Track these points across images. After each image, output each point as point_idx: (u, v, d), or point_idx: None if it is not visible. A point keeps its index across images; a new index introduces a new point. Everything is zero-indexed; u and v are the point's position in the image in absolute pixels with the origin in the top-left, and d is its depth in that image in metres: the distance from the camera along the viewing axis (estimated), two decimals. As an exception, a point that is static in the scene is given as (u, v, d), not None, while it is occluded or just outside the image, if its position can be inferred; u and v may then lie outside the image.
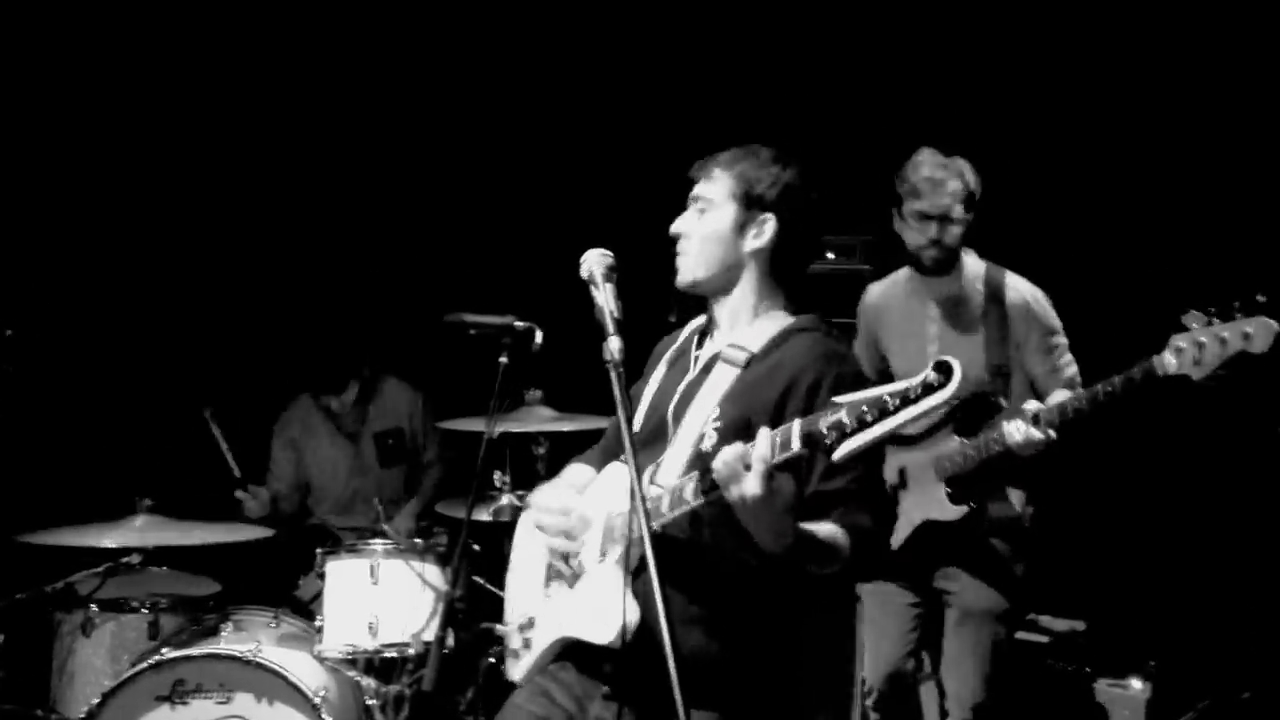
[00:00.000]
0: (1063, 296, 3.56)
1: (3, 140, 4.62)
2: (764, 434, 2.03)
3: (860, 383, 2.26)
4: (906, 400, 1.88)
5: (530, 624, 2.49)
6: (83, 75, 4.77)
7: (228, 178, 5.09)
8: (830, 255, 4.40)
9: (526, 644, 2.49)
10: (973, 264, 3.52)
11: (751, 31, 4.82)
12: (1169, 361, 3.05)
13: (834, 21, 4.75)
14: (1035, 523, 3.51)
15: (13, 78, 4.63)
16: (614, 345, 2.17)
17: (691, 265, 2.43)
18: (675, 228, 2.45)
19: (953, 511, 3.43)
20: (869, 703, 3.74)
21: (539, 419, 4.14)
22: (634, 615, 2.19)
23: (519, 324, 3.43)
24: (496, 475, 4.08)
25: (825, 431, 1.94)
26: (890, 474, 3.48)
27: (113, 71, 4.82)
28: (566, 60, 4.97)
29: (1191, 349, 3.00)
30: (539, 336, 3.36)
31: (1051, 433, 3.19)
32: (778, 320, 2.42)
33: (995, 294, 3.45)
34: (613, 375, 2.14)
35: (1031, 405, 3.27)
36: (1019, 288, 3.47)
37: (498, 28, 4.99)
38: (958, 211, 3.40)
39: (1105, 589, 4.31)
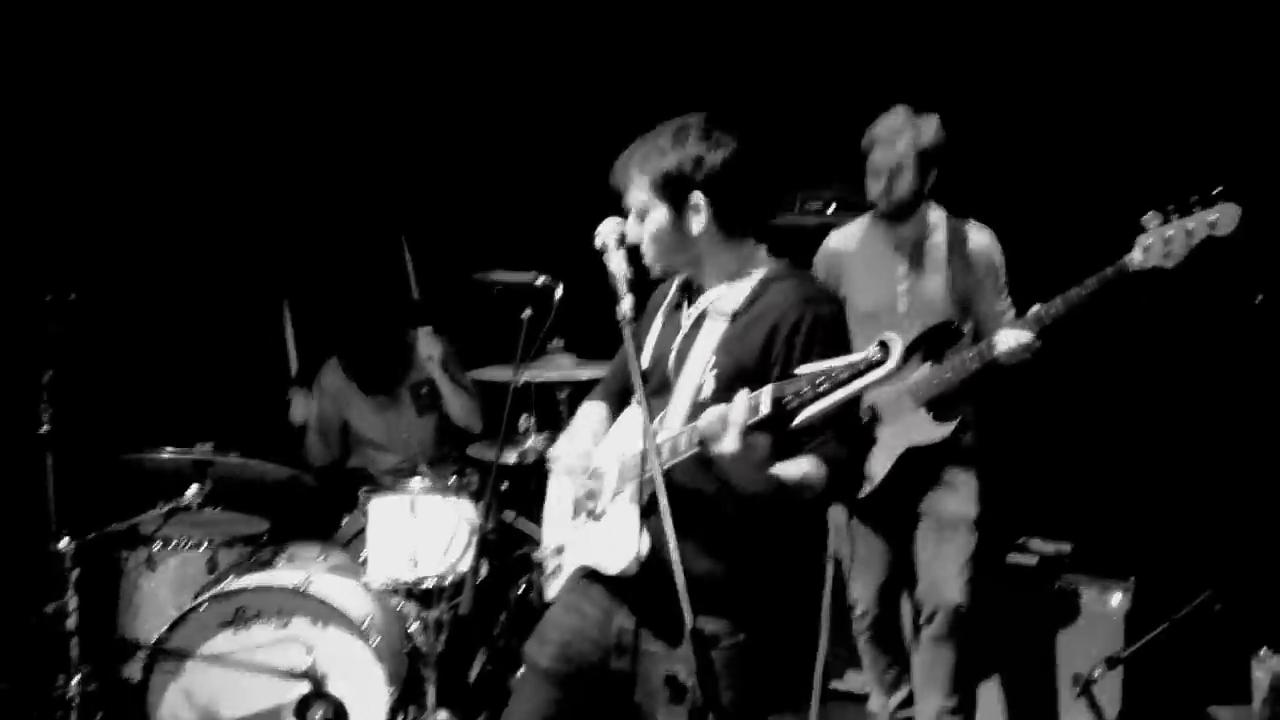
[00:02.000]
0: (1018, 225, 3.83)
1: (57, 102, 4.81)
2: (740, 398, 2.22)
3: (836, 322, 2.49)
4: (856, 373, 2.10)
5: (561, 550, 2.74)
6: (130, 40, 4.94)
7: (274, 136, 5.25)
8: (830, 209, 4.64)
9: (558, 567, 2.75)
10: (935, 214, 3.78)
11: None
12: (1137, 258, 3.35)
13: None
14: (980, 442, 3.78)
15: (61, 39, 4.80)
16: (626, 305, 2.42)
17: (653, 261, 2.57)
18: (628, 238, 2.55)
19: (939, 431, 3.67)
20: (861, 625, 4.02)
21: (561, 367, 4.35)
22: (645, 546, 2.44)
23: (541, 280, 3.68)
24: (522, 419, 4.34)
25: (789, 398, 2.16)
26: (862, 414, 3.71)
27: (158, 34, 4.98)
28: (593, 26, 5.13)
29: (1159, 243, 3.32)
30: (559, 291, 3.61)
31: (1032, 338, 3.48)
32: (756, 272, 2.55)
33: (959, 238, 3.72)
34: (625, 333, 2.40)
35: (1012, 315, 3.59)
36: (980, 235, 3.74)
37: None
38: (907, 164, 3.65)
39: (1089, 509, 4.50)
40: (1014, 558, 4.30)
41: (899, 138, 3.66)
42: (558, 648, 2.63)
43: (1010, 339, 3.52)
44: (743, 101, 4.78)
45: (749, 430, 2.22)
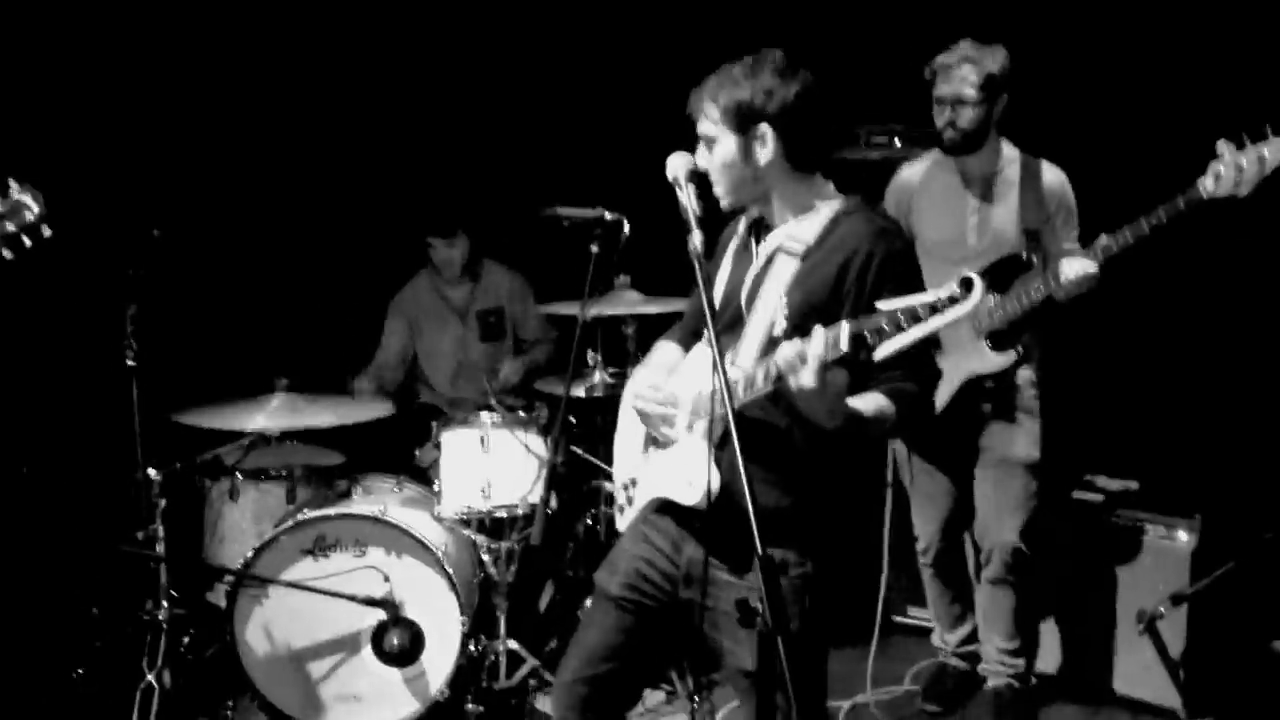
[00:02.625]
0: (1088, 158, 3.80)
1: (136, 44, 4.90)
2: (818, 332, 2.26)
3: (907, 257, 2.51)
4: (934, 310, 2.14)
5: (633, 483, 2.81)
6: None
7: (353, 82, 5.34)
8: (897, 143, 4.62)
9: (629, 500, 2.81)
10: (1008, 149, 3.75)
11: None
12: (1209, 185, 3.30)
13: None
14: (1045, 384, 3.78)
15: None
16: (696, 240, 2.43)
17: (724, 193, 2.60)
18: (699, 165, 2.58)
19: (998, 361, 3.69)
20: (925, 560, 4.06)
21: (628, 302, 4.41)
22: (716, 480, 2.49)
23: (608, 215, 3.72)
24: (590, 354, 4.42)
25: (868, 335, 2.20)
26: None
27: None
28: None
29: (1231, 171, 3.26)
30: (626, 227, 3.64)
31: (1098, 267, 3.47)
32: (826, 208, 2.57)
33: (1032, 172, 3.69)
34: (696, 267, 2.41)
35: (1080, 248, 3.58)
36: (1052, 172, 3.71)
37: None
38: (969, 95, 3.61)
39: (1156, 446, 4.48)
40: (1080, 494, 4.29)
41: (962, 68, 3.63)
42: (627, 576, 2.70)
43: (1076, 268, 3.50)
44: (809, 35, 4.80)
45: (827, 365, 2.26)
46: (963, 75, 3.62)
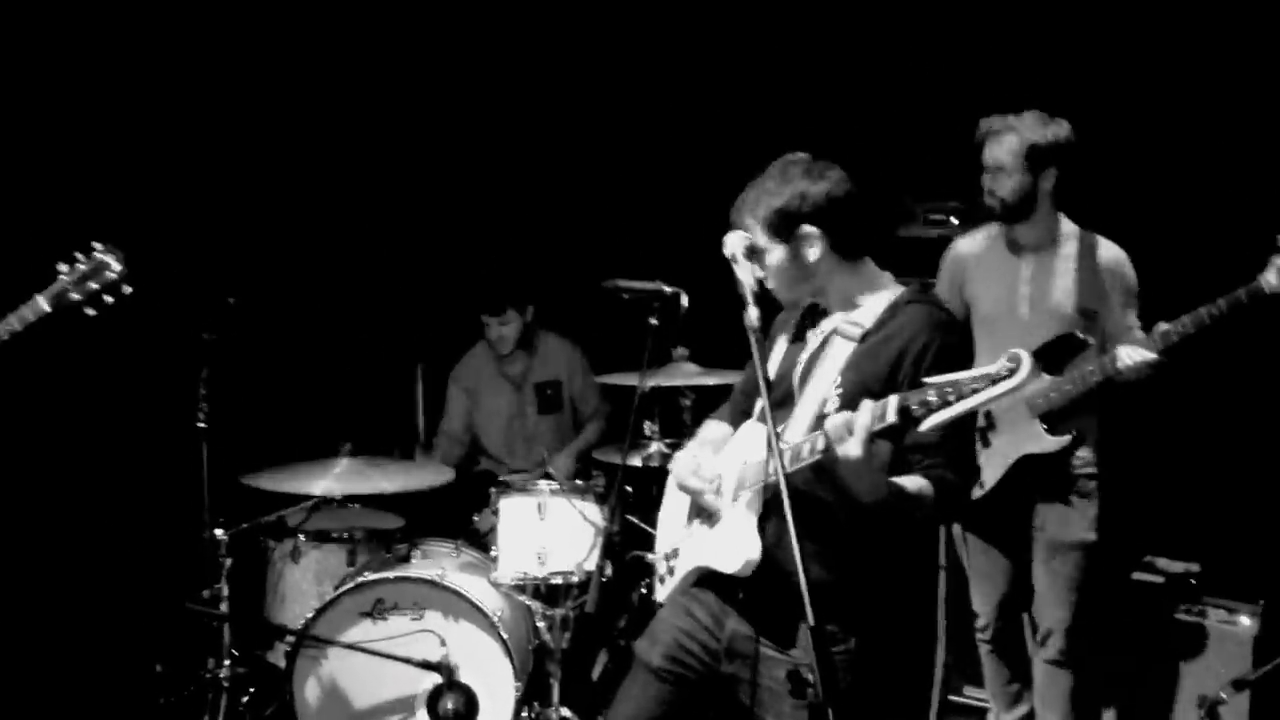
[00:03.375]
0: (1149, 241, 3.78)
1: (219, 119, 5.12)
2: (865, 405, 2.30)
3: (963, 349, 2.55)
4: (981, 385, 2.17)
5: (674, 554, 2.85)
6: (289, 53, 5.24)
7: (417, 155, 5.50)
8: (954, 221, 4.65)
9: (670, 570, 2.85)
10: (1066, 224, 3.72)
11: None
12: (1271, 281, 3.31)
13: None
14: (1104, 465, 3.73)
15: (229, 56, 5.11)
16: (753, 315, 2.48)
17: (781, 295, 2.68)
18: (760, 282, 2.62)
19: (1052, 443, 3.65)
20: (983, 636, 4.02)
21: (685, 374, 4.45)
22: (759, 549, 2.52)
23: (667, 288, 3.77)
24: (647, 425, 4.47)
25: (915, 407, 2.23)
26: (979, 418, 3.71)
27: (311, 49, 5.27)
28: (719, 41, 5.22)
29: None
30: (685, 300, 3.70)
31: (1157, 355, 3.45)
32: (884, 294, 2.63)
33: (1089, 249, 3.66)
34: (752, 341, 2.46)
35: (1139, 333, 3.55)
36: (1112, 249, 3.68)
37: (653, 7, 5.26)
38: (1007, 163, 3.61)
39: (1218, 530, 4.40)
40: (1140, 576, 4.24)
41: (1006, 135, 3.64)
42: (668, 648, 2.73)
43: (1134, 355, 3.49)
44: (865, 115, 4.90)
45: (873, 437, 2.29)
46: (1005, 143, 3.63)
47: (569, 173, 5.58)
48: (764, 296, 2.59)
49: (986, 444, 3.75)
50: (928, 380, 2.25)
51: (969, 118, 4.01)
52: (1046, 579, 3.76)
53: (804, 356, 2.68)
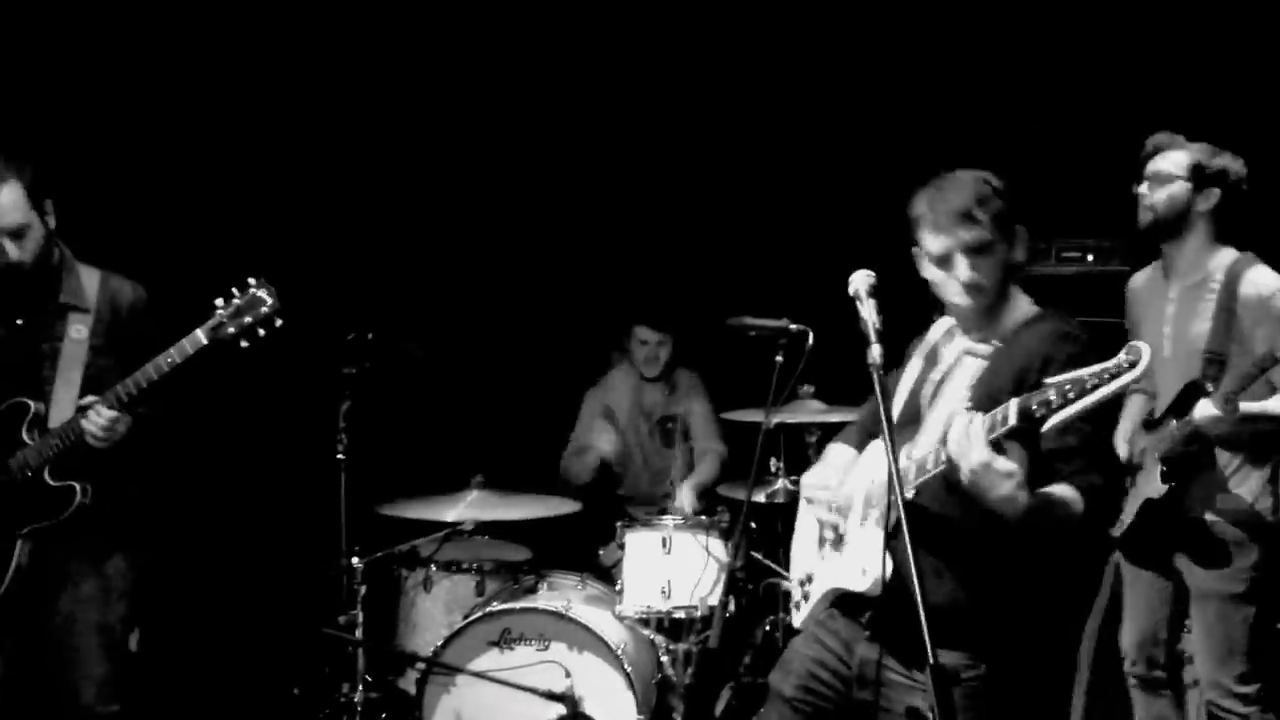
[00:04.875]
0: None
1: (366, 158, 5.34)
2: (981, 413, 2.32)
3: (1087, 359, 2.45)
4: (1102, 380, 2.18)
5: (808, 579, 2.85)
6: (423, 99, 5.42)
7: (553, 192, 5.62)
8: (1089, 258, 4.58)
9: (805, 596, 2.85)
10: (1222, 254, 3.54)
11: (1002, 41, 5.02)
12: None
13: (1086, 25, 4.87)
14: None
15: (377, 101, 5.33)
16: (875, 352, 2.50)
17: (978, 296, 2.62)
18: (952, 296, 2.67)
19: (1159, 488, 3.52)
20: (1128, 669, 3.87)
21: (810, 411, 4.48)
22: (889, 568, 2.50)
23: (794, 327, 3.80)
24: (772, 461, 4.51)
25: (1035, 407, 2.24)
26: (1135, 453, 3.63)
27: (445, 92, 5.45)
28: (851, 73, 5.24)
29: None
30: (811, 338, 3.72)
31: (1231, 409, 3.26)
32: (1019, 314, 2.65)
33: (1231, 284, 3.47)
34: (874, 377, 2.48)
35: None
36: (1258, 280, 3.45)
37: (766, 50, 5.31)
38: (1168, 171, 3.51)
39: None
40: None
41: (1174, 150, 3.54)
42: (801, 678, 2.73)
43: (1207, 410, 3.33)
44: (997, 149, 4.84)
45: (997, 442, 2.30)
46: (1171, 156, 3.55)
47: (699, 211, 5.63)
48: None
49: (1132, 483, 3.65)
50: (1048, 380, 2.26)
51: (1108, 154, 3.95)
52: (1196, 628, 3.62)
53: (936, 375, 2.70)
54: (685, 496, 5.00)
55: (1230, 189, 3.54)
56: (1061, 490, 2.46)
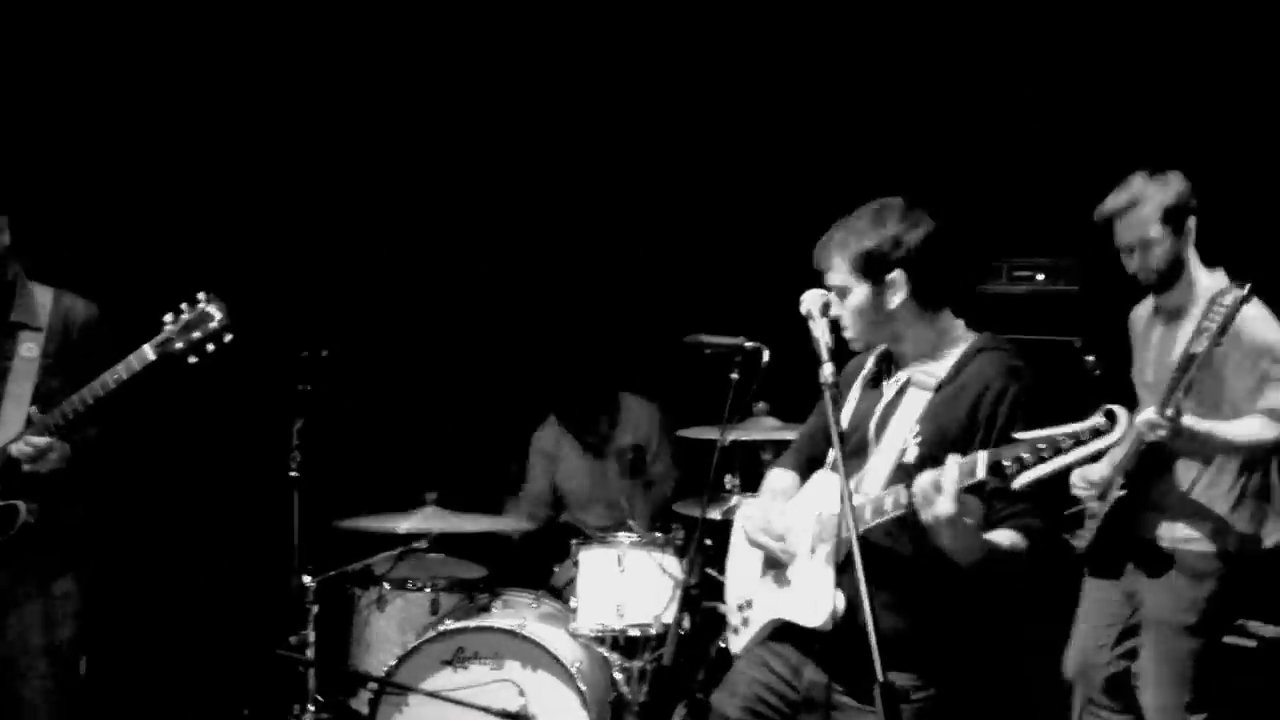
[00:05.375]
0: None
1: (317, 176, 5.31)
2: (952, 461, 2.31)
3: (1038, 392, 2.54)
4: (1078, 441, 2.17)
5: (748, 604, 2.86)
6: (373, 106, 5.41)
7: (505, 211, 5.60)
8: (1040, 277, 4.63)
9: (745, 621, 2.86)
10: (1206, 280, 3.45)
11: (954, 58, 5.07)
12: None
13: (1034, 46, 4.92)
14: (1249, 543, 3.44)
15: (332, 116, 5.31)
16: (827, 371, 2.53)
17: (856, 337, 2.69)
18: (832, 314, 2.66)
19: (1111, 500, 3.45)
20: (1074, 691, 3.89)
21: (765, 428, 4.47)
22: (841, 603, 2.52)
23: (748, 344, 3.82)
24: (727, 478, 4.50)
25: (1008, 464, 2.24)
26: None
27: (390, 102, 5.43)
28: (803, 96, 5.27)
29: None
30: (766, 355, 3.74)
31: (1171, 416, 3.17)
32: (959, 344, 2.65)
33: (1217, 311, 3.28)
34: (826, 396, 2.51)
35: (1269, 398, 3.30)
36: (1226, 301, 3.26)
37: (736, 64, 5.32)
38: (1155, 234, 3.40)
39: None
40: (1232, 640, 4.11)
41: (1139, 208, 3.42)
42: (746, 700, 2.73)
43: (1146, 413, 3.23)
44: (949, 170, 4.91)
45: (962, 493, 2.30)
46: (1141, 217, 3.41)
47: (651, 230, 5.64)
48: (839, 352, 2.62)
49: (1102, 497, 3.56)
50: (1020, 435, 2.26)
51: (1060, 173, 3.98)
52: (1145, 654, 3.57)
53: (880, 406, 2.69)
54: (641, 523, 5.00)
55: (1195, 208, 3.47)
56: (1007, 537, 2.48)
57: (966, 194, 4.79)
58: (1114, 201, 3.48)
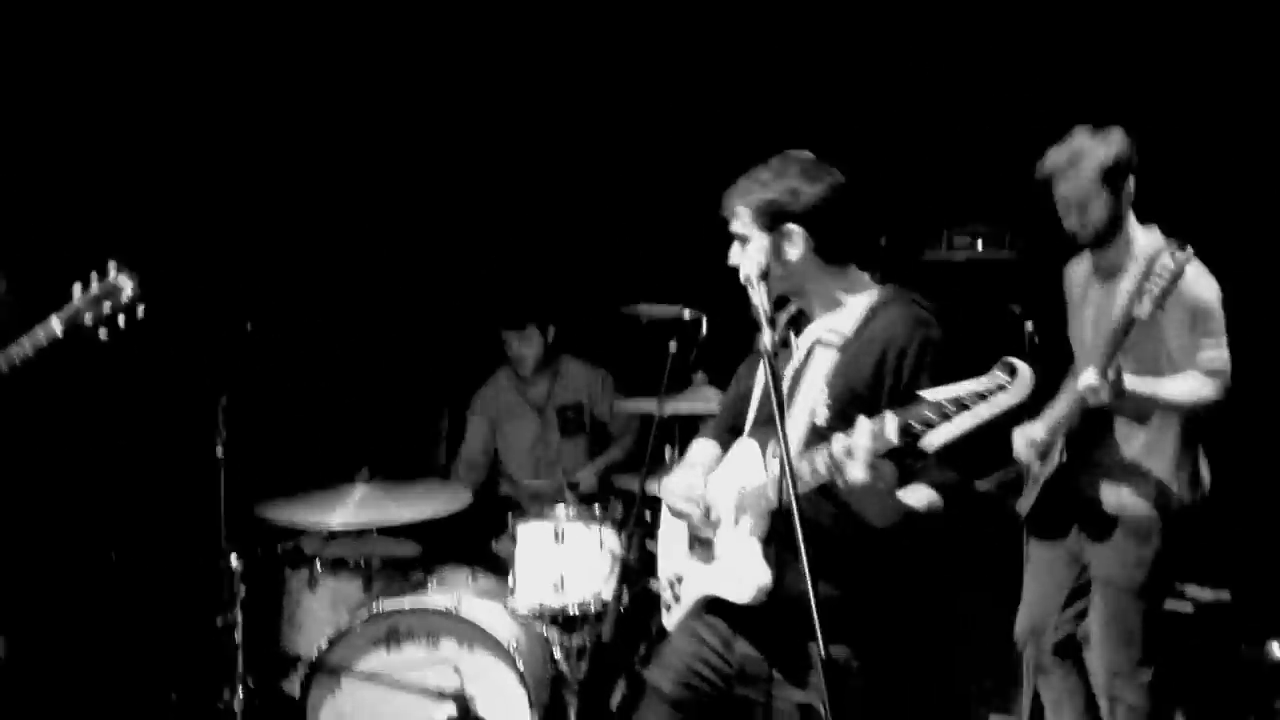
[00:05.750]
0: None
1: (240, 141, 5.14)
2: (862, 423, 2.27)
3: (945, 345, 2.51)
4: (981, 397, 2.13)
5: (679, 580, 2.82)
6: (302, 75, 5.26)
7: (440, 181, 5.50)
8: (979, 244, 4.62)
9: (676, 597, 2.83)
10: (1142, 238, 3.43)
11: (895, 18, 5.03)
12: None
13: (974, 15, 4.89)
14: (1191, 501, 3.46)
15: (254, 81, 5.14)
16: (766, 337, 2.46)
17: (755, 286, 2.61)
18: (731, 261, 2.65)
19: (1053, 464, 3.48)
20: (1023, 651, 3.82)
21: (704, 399, 4.38)
22: (768, 576, 2.50)
23: (688, 314, 3.77)
24: (666, 450, 4.45)
25: (915, 424, 2.20)
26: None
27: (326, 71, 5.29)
28: (744, 61, 5.21)
29: None
30: (704, 325, 3.69)
31: (1112, 378, 3.17)
32: (863, 299, 2.62)
33: (1149, 263, 3.28)
34: (763, 363, 2.46)
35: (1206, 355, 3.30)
36: (1168, 260, 3.20)
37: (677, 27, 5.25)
38: (1094, 190, 3.38)
39: (1249, 557, 4.31)
40: (1170, 605, 4.14)
41: (1080, 164, 3.39)
42: (680, 674, 2.71)
43: (1087, 376, 3.21)
44: (890, 137, 4.87)
45: (876, 458, 2.27)
46: (1081, 172, 3.39)
47: (590, 197, 5.56)
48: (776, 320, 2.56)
49: (1043, 459, 3.57)
50: (924, 394, 2.21)
51: (998, 140, 3.95)
52: (1093, 616, 3.58)
53: (790, 370, 2.66)
54: (585, 476, 4.94)
55: (1135, 167, 3.44)
56: (923, 495, 2.46)
57: (907, 161, 4.77)
58: (1055, 158, 3.46)
